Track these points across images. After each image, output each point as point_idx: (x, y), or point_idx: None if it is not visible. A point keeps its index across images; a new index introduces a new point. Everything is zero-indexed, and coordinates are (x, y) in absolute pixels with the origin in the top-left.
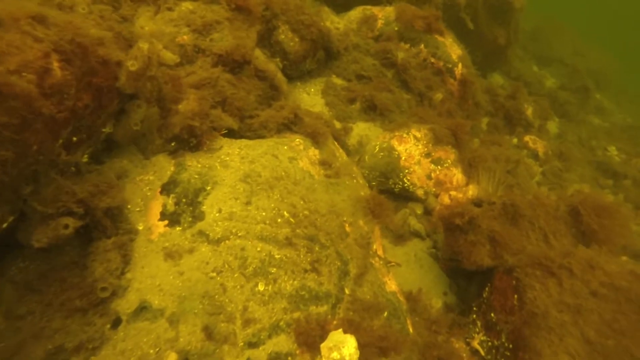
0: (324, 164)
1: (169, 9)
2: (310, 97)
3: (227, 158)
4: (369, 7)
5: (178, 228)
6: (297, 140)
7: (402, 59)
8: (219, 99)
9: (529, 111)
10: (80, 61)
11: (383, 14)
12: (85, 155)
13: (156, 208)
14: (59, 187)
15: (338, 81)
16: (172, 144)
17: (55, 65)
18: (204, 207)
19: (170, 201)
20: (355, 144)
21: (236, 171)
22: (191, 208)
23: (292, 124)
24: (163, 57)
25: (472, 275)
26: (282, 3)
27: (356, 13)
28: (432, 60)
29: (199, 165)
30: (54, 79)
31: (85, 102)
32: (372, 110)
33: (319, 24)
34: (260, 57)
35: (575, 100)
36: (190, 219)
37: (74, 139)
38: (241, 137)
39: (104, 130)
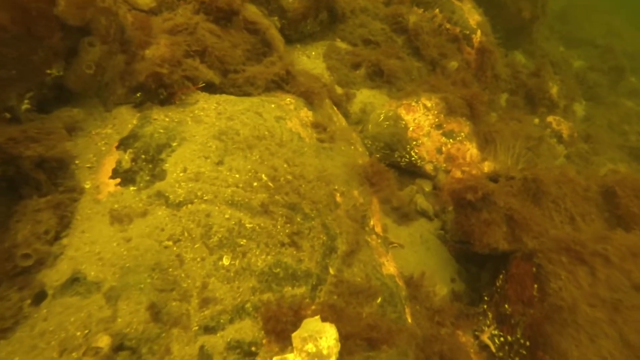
0: (317, 126)
1: None
2: (310, 61)
3: (202, 113)
4: None
5: (132, 188)
6: (288, 99)
7: (414, 23)
8: (198, 48)
9: (554, 90)
10: None
11: None
12: (26, 101)
13: (109, 164)
14: None
15: (342, 45)
16: (138, 95)
17: None
18: (167, 165)
19: (127, 157)
20: (358, 112)
21: (210, 127)
22: (150, 165)
23: (283, 82)
24: (135, 1)
25: (485, 260)
26: None
27: None
28: (448, 25)
29: (167, 120)
30: None
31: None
32: (379, 77)
33: None
34: (253, 10)
35: (607, 82)
36: (147, 177)
37: None
38: (222, 93)
39: (49, 72)
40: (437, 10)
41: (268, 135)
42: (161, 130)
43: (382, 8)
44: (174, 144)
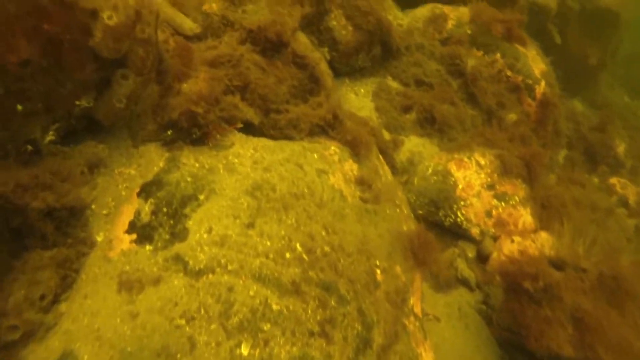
0: (362, 182)
1: None
2: (358, 99)
3: (236, 160)
4: (439, 5)
5: (148, 247)
6: (333, 148)
7: (473, 67)
8: (239, 83)
9: (621, 148)
10: None
11: (455, 14)
12: (51, 133)
13: (127, 215)
14: None
15: (393, 84)
16: (169, 132)
17: None
18: (190, 222)
19: (147, 208)
20: (405, 162)
21: (244, 179)
22: (172, 221)
23: (329, 127)
24: (180, 25)
25: None
26: None
27: (424, 11)
28: (509, 73)
29: (196, 165)
30: None
31: (26, 54)
32: (430, 124)
33: (378, 13)
34: (303, 41)
35: None
36: (167, 236)
37: (19, 107)
38: (262, 135)
39: (78, 103)
40: (498, 54)
41: (307, 194)
42: (189, 179)
43: (438, 47)
44: (201, 197)
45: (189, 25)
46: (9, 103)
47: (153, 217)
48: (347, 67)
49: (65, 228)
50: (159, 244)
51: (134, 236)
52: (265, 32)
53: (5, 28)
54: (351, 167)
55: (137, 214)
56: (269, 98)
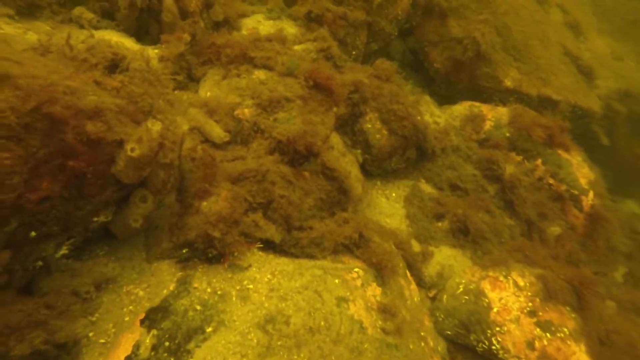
0: (385, 311)
1: (238, 76)
2: (388, 204)
3: (251, 286)
4: (477, 104)
5: None
6: (356, 270)
7: (511, 174)
8: (263, 200)
9: None
10: (42, 138)
11: (493, 115)
12: (64, 248)
13: (124, 347)
14: None
15: (427, 188)
16: (184, 251)
17: None
18: None
19: (148, 341)
20: (434, 275)
21: (257, 309)
22: (172, 359)
23: (354, 246)
24: (209, 132)
25: None
26: (375, 87)
27: (461, 109)
28: (551, 181)
29: (208, 290)
30: None
31: (47, 192)
32: (463, 235)
33: (415, 119)
34: (337, 146)
35: None
36: None
37: (32, 234)
38: (283, 252)
39: (96, 220)
40: (539, 161)
41: (324, 327)
42: (198, 307)
43: (475, 149)
44: (208, 330)
45: (218, 133)
46: (23, 231)
47: (152, 353)
48: (379, 169)
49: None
50: None
51: None
52: (294, 144)
53: (31, 170)
54: (374, 292)
55: (136, 347)
56: (293, 216)
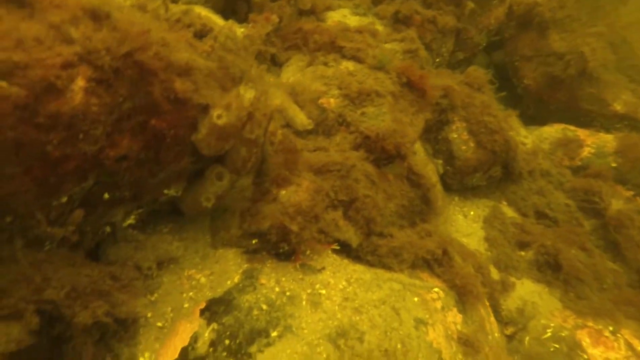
0: (465, 343)
1: (325, 64)
2: (466, 222)
3: (323, 291)
4: (572, 127)
5: None
6: (436, 291)
7: (618, 211)
8: (345, 198)
9: None
10: (129, 88)
11: (594, 141)
12: (132, 217)
13: (182, 336)
14: (19, 273)
15: (509, 211)
16: (254, 241)
17: (79, 84)
18: None
19: (207, 335)
20: (513, 311)
21: (328, 319)
22: None
23: (435, 263)
24: (292, 118)
25: None
26: (466, 96)
27: (552, 131)
28: None
29: (277, 289)
30: (64, 105)
31: (126, 151)
32: (552, 270)
33: (507, 134)
34: (419, 152)
35: None
36: None
37: (105, 195)
38: (358, 258)
39: (166, 192)
40: None
41: (400, 352)
42: (264, 307)
43: (568, 176)
44: (273, 334)
45: (302, 119)
46: (97, 191)
47: (211, 349)
48: (459, 184)
49: (109, 340)
50: None
51: None
52: (383, 142)
53: (113, 123)
54: (455, 318)
55: (194, 339)
56: (376, 220)
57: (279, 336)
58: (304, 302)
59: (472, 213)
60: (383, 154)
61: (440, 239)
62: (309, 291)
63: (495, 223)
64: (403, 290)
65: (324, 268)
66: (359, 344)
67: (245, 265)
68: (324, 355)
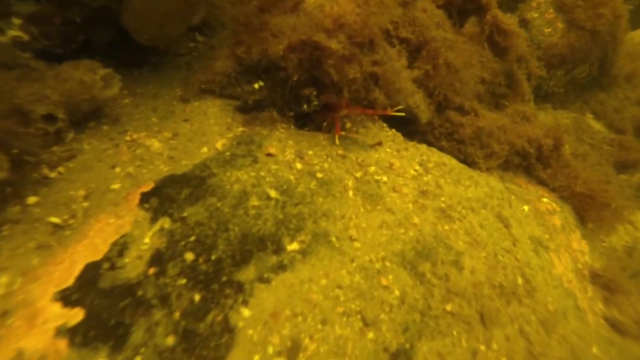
0: (606, 287)
1: None
2: None
3: (384, 177)
4: None
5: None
6: (546, 201)
7: None
8: (411, 36)
9: None
10: None
11: None
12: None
13: (91, 243)
14: None
15: (596, 125)
16: (257, 85)
17: None
18: (240, 319)
19: (148, 239)
20: (619, 250)
21: (398, 225)
22: (197, 295)
23: (539, 161)
24: None
25: None
26: None
27: None
28: None
29: (298, 166)
30: None
31: None
32: None
33: (619, 6)
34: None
35: None
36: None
37: None
38: (426, 143)
39: None
40: None
41: (522, 290)
42: (272, 194)
43: None
44: (290, 247)
45: None
46: None
47: (152, 269)
48: (531, 86)
49: None
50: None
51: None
52: None
53: None
54: (581, 245)
55: (118, 248)
56: (453, 84)
57: (303, 252)
58: (350, 193)
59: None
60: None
61: (543, 124)
62: (358, 175)
63: (584, 137)
64: (507, 192)
65: (380, 143)
66: (457, 273)
67: (239, 129)
68: (396, 293)
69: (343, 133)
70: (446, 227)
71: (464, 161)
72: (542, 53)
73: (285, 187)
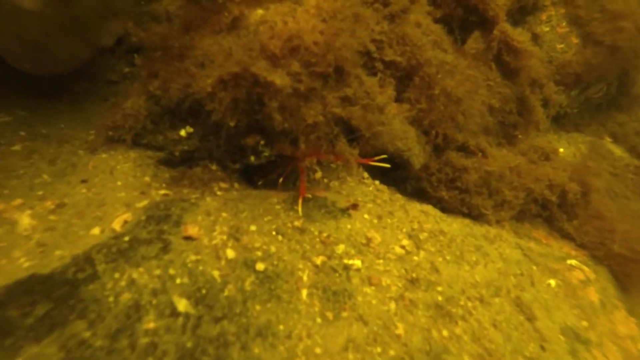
0: None
1: None
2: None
3: (356, 262)
4: None
5: None
6: (575, 264)
7: None
8: (400, 59)
9: None
10: None
11: None
12: None
13: None
14: None
15: (617, 151)
16: (183, 131)
17: None
18: None
19: None
20: None
21: (370, 335)
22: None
23: (561, 209)
24: None
25: None
26: None
27: None
28: None
29: (230, 255)
30: None
31: None
32: None
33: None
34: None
35: None
36: None
37: None
38: (419, 194)
39: None
40: None
41: None
42: (183, 306)
43: None
44: None
45: None
46: None
47: None
48: (550, 117)
49: None
50: None
51: None
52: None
53: None
54: (629, 328)
55: None
56: (452, 117)
57: None
58: (303, 293)
59: (561, 150)
60: (459, 8)
61: (568, 165)
62: (319, 261)
63: (604, 164)
64: (526, 262)
65: (355, 206)
66: None
67: (160, 192)
68: None
69: (309, 195)
70: (444, 334)
71: (468, 215)
72: (554, 71)
73: (204, 291)
